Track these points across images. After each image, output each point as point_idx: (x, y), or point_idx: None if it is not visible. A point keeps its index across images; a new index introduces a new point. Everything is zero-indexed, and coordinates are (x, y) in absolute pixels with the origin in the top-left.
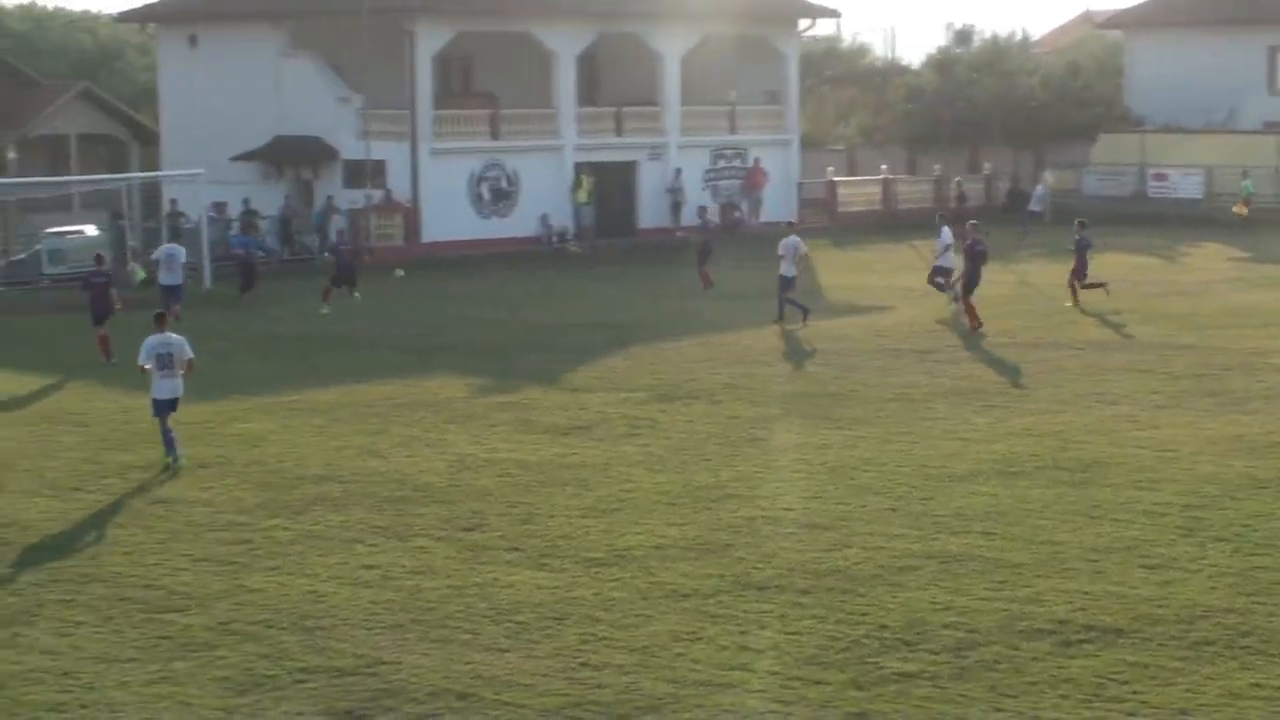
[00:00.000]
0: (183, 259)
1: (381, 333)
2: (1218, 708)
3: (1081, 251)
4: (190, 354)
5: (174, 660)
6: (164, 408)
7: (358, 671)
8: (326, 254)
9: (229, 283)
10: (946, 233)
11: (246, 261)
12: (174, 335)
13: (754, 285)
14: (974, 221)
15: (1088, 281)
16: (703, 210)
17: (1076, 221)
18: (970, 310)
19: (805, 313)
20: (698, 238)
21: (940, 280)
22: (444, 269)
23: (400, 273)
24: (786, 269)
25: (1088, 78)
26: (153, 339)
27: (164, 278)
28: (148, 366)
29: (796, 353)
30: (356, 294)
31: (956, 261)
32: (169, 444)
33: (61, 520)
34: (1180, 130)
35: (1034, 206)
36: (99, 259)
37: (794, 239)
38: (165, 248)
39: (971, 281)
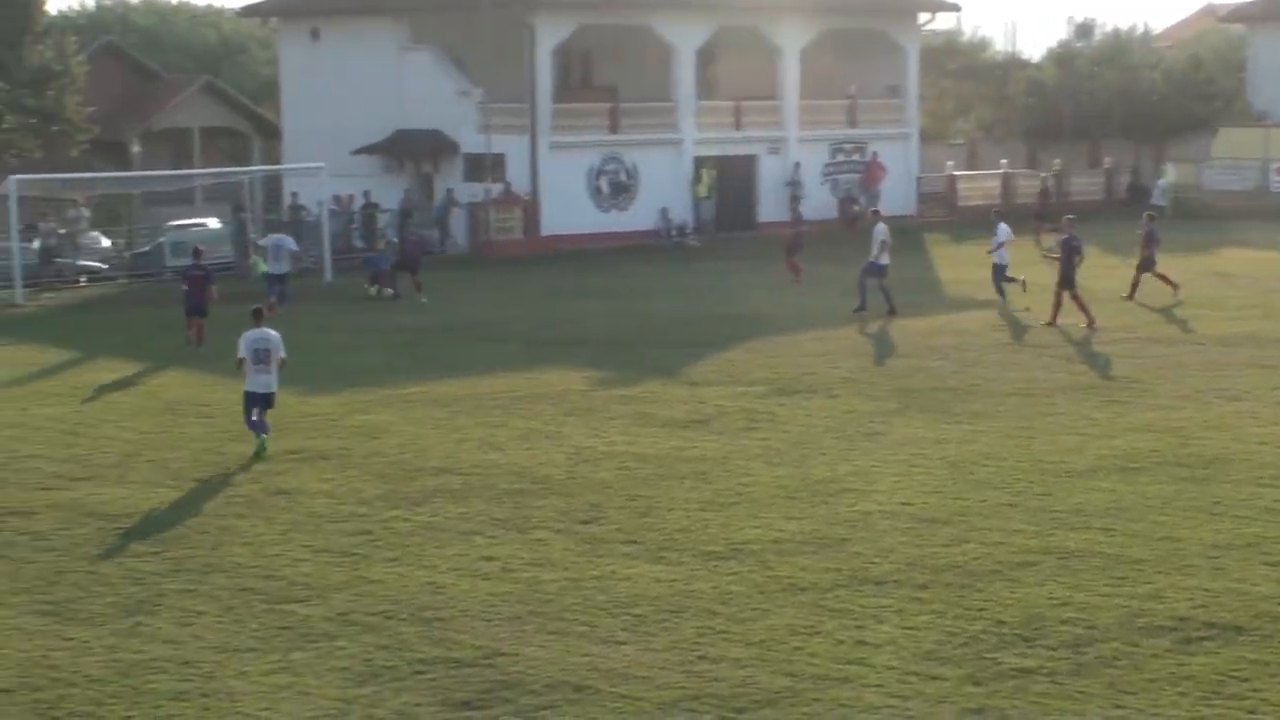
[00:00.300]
0: (291, 248)
1: (501, 326)
2: None
3: (1149, 243)
4: (284, 353)
5: (293, 651)
6: (255, 401)
7: (475, 663)
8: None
9: (348, 277)
10: (1003, 229)
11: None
12: (271, 331)
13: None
14: (1070, 216)
15: (1159, 272)
16: (795, 202)
17: (1145, 214)
18: (1057, 301)
19: (892, 309)
20: (788, 231)
21: (1008, 279)
22: (563, 262)
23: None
24: (881, 257)
25: (1209, 71)
26: (251, 334)
27: (271, 266)
28: (245, 358)
29: (915, 348)
30: (423, 298)
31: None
32: (254, 426)
33: (184, 511)
34: None
35: (1156, 200)
36: (196, 253)
37: (882, 226)
38: (273, 237)
39: (1067, 276)
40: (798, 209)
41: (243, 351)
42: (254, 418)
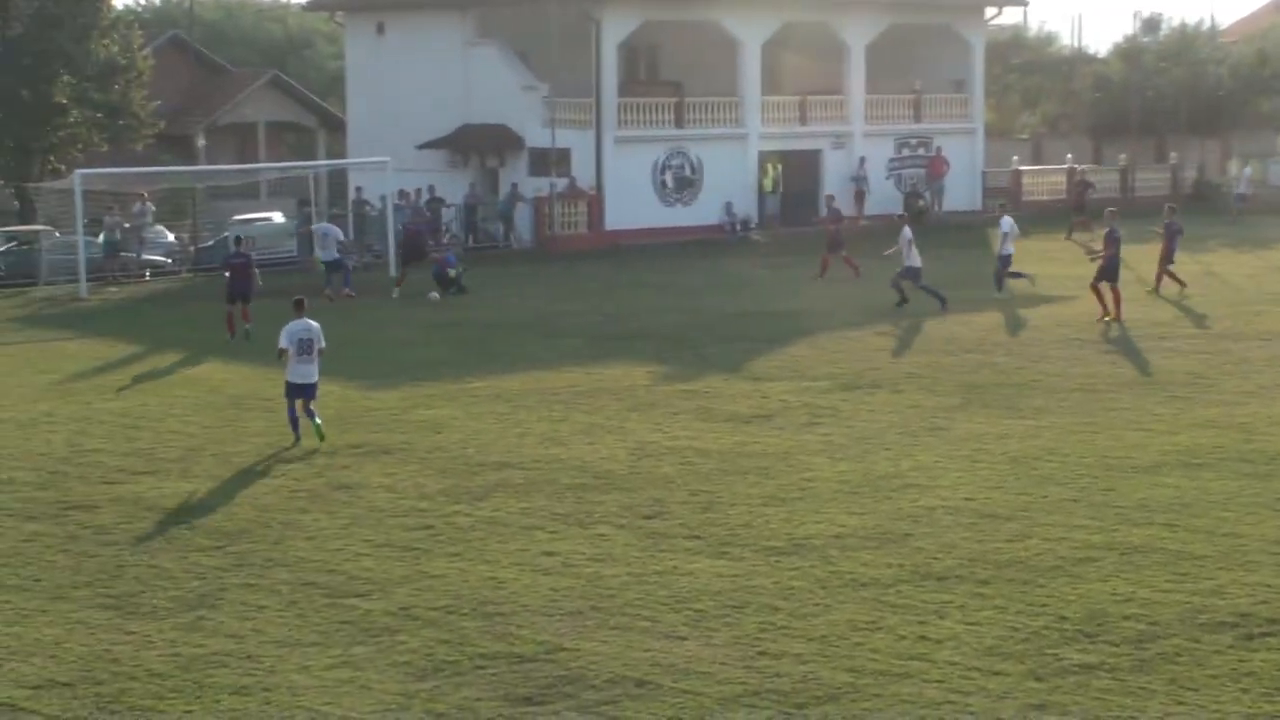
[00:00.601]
0: (338, 236)
1: (565, 320)
2: None
3: (1171, 237)
4: (323, 343)
5: (355, 645)
6: (297, 391)
7: (537, 658)
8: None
9: (412, 270)
10: (1006, 222)
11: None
12: (313, 322)
13: (938, 273)
14: (1112, 209)
15: (1172, 269)
16: (830, 199)
17: (1166, 206)
18: (1115, 296)
19: (942, 301)
20: (829, 227)
21: (1011, 272)
22: (627, 257)
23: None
24: (911, 259)
25: (1276, 66)
26: (294, 324)
27: (321, 255)
28: (288, 349)
29: (979, 343)
30: (434, 293)
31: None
32: (294, 424)
33: (246, 505)
34: None
35: (1241, 189)
36: (238, 241)
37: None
38: (318, 225)
39: (1110, 269)
40: (864, 204)
41: (285, 342)
42: (294, 412)
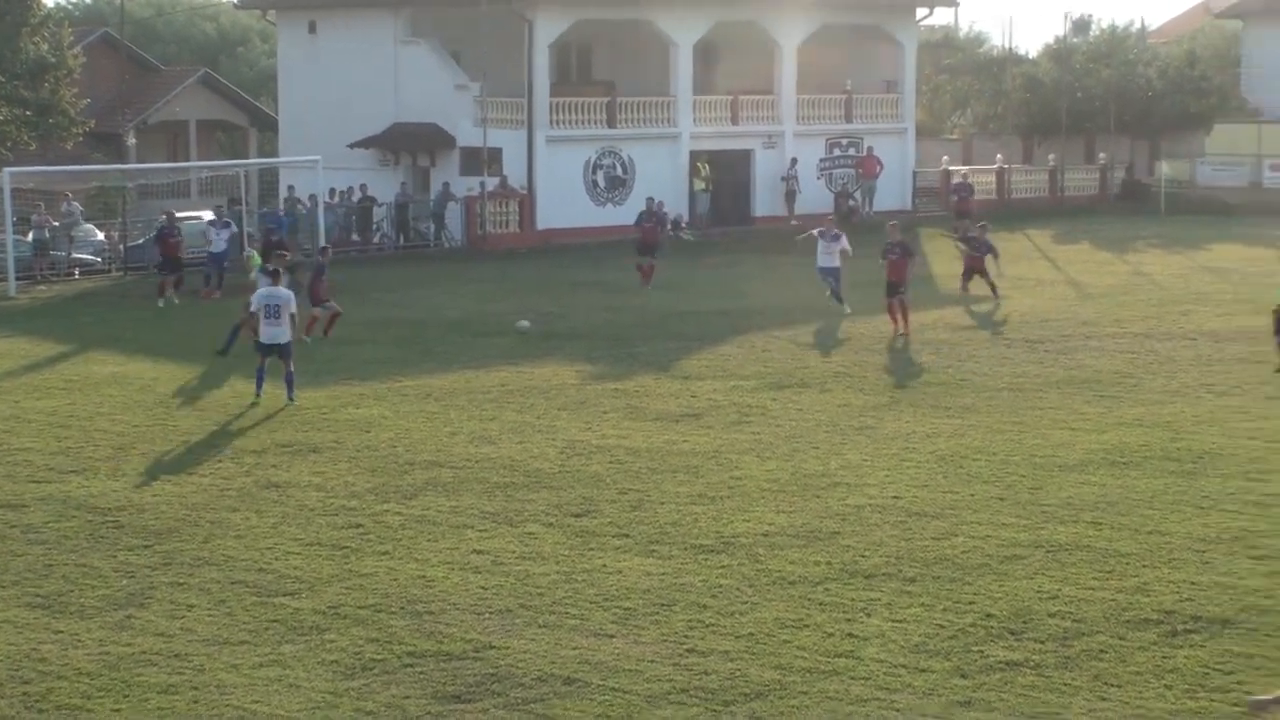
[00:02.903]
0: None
1: (495, 319)
2: None
3: (979, 251)
4: (294, 309)
5: (284, 643)
6: (267, 350)
7: (465, 656)
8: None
9: (343, 270)
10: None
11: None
12: (283, 289)
13: (870, 273)
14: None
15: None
16: (651, 201)
17: (979, 224)
18: (902, 308)
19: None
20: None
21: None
22: (558, 256)
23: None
24: (826, 259)
25: (1205, 68)
26: (263, 290)
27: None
28: (256, 312)
29: (909, 342)
30: (524, 321)
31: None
32: (259, 382)
33: (176, 504)
34: None
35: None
36: (169, 215)
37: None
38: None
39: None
40: (795, 204)
41: (255, 306)
42: (262, 370)
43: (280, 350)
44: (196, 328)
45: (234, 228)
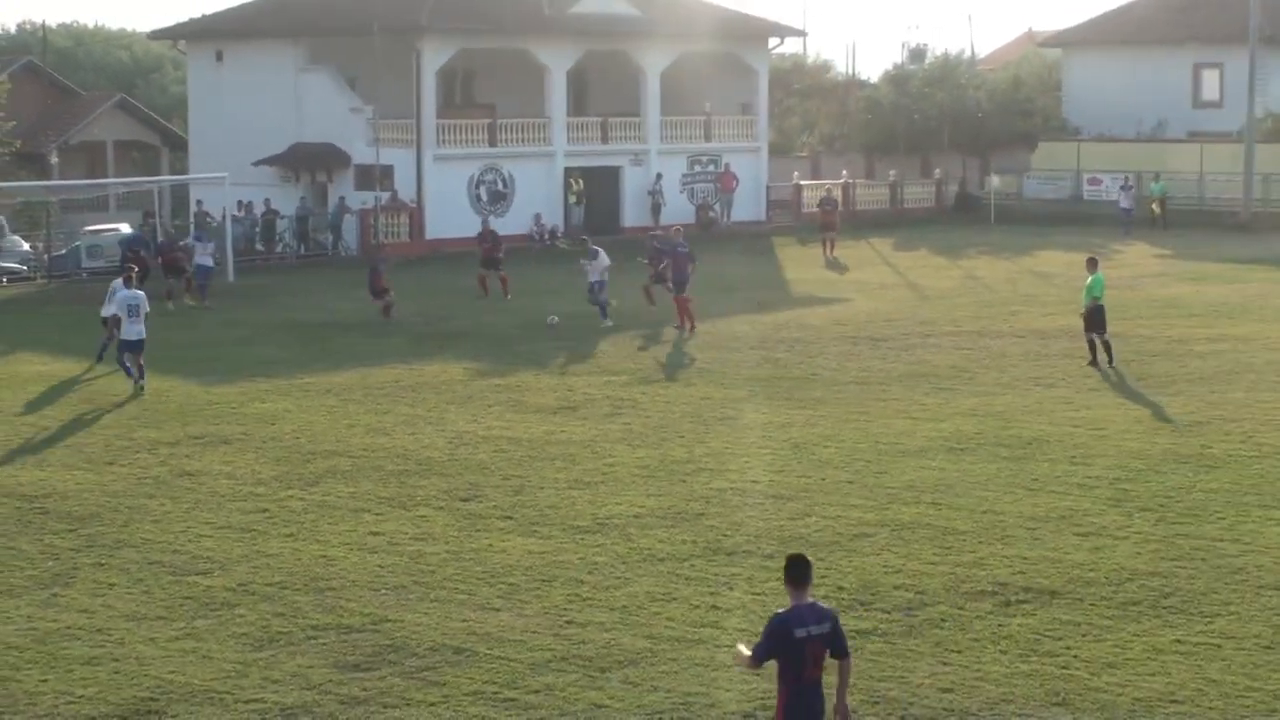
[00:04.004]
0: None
1: (388, 322)
2: (1142, 661)
3: (677, 263)
4: (148, 308)
5: (197, 618)
6: (133, 347)
7: (364, 629)
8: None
9: (249, 277)
10: (603, 255)
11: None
12: (140, 291)
13: (729, 277)
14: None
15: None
16: (487, 222)
17: (674, 228)
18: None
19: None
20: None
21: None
22: (446, 264)
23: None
24: (592, 275)
25: (1029, 91)
26: (124, 293)
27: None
28: (116, 313)
29: (764, 340)
30: (553, 317)
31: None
32: (129, 373)
33: (96, 491)
34: (1112, 139)
35: (1124, 204)
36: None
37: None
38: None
39: (678, 282)
40: (660, 216)
41: (116, 309)
42: (128, 363)
43: (139, 345)
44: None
45: (213, 244)
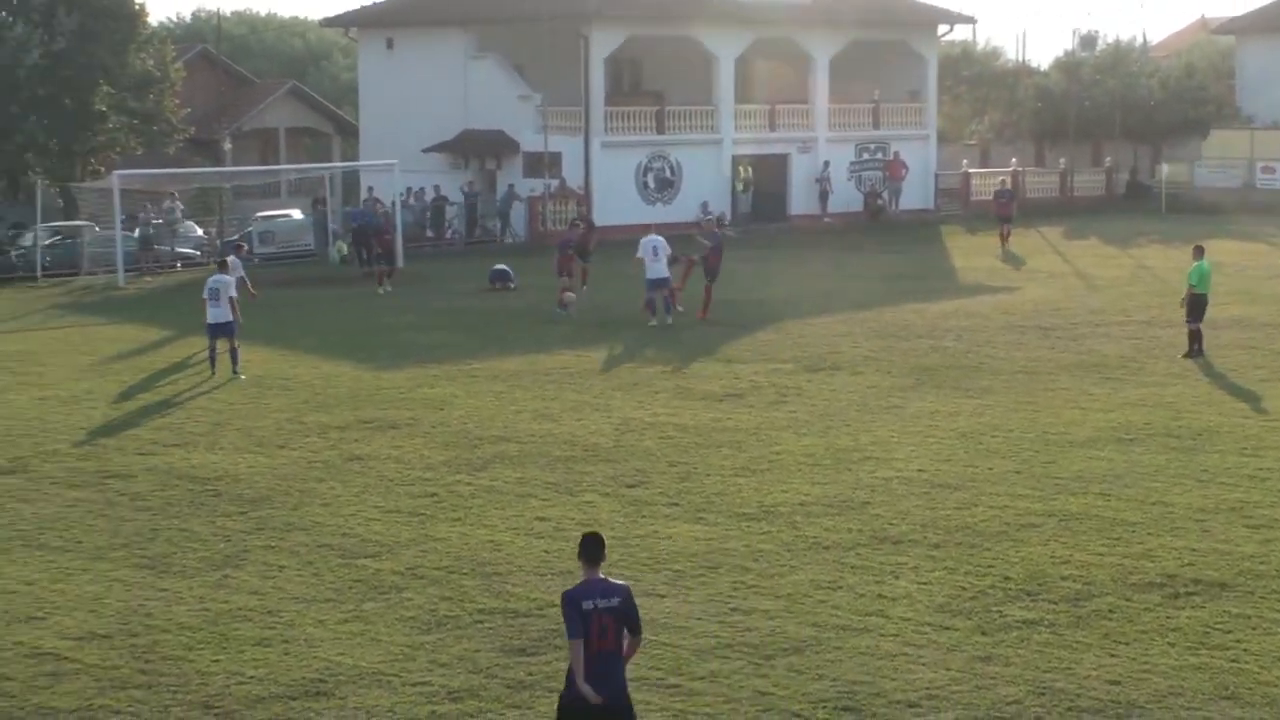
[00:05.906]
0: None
1: (556, 308)
2: None
3: (715, 255)
4: (234, 293)
5: (365, 601)
6: (212, 331)
7: (530, 613)
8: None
9: (419, 263)
10: (644, 244)
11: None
12: (225, 276)
13: (895, 267)
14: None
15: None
16: (824, 197)
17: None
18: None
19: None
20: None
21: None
22: (613, 250)
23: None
24: (654, 270)
25: (1202, 79)
26: (210, 278)
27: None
28: (205, 297)
29: (931, 329)
30: (571, 293)
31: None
32: (212, 361)
33: (267, 474)
34: None
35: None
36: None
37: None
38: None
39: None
40: (827, 203)
41: (205, 293)
42: (214, 349)
43: (224, 329)
44: (289, 315)
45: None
